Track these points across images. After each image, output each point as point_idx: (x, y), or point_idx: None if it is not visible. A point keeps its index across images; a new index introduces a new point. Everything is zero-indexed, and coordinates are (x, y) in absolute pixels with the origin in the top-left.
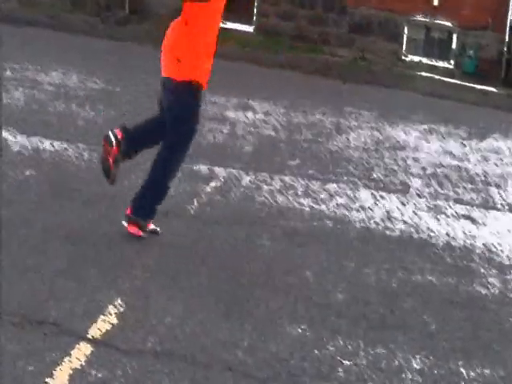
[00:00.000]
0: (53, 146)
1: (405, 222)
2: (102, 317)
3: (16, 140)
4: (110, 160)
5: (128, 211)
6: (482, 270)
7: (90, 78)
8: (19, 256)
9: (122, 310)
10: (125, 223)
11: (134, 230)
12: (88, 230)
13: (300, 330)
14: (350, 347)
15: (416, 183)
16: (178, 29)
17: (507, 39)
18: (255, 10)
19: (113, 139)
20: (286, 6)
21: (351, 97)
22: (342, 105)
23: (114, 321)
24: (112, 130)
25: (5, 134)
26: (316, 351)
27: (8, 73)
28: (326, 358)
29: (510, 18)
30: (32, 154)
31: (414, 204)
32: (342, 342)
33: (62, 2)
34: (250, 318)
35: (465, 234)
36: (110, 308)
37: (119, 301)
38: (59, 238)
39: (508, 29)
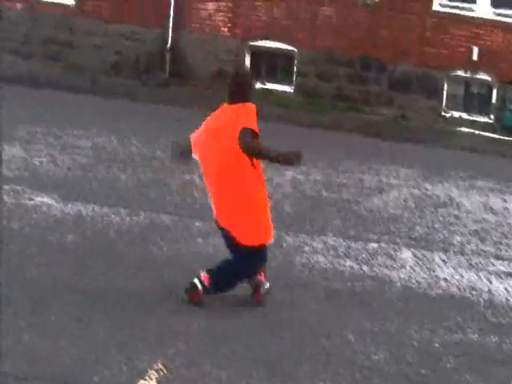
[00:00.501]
0: (94, 210)
1: (446, 280)
2: (142, 381)
3: (58, 205)
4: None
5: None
6: None
7: (131, 142)
8: (64, 320)
9: (162, 374)
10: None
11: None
12: (134, 295)
13: None
14: None
15: (457, 240)
16: None
17: None
18: (295, 70)
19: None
20: (324, 65)
21: (391, 155)
22: (382, 163)
23: None
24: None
25: (47, 199)
26: None
27: (51, 139)
28: None
29: None
30: (73, 220)
31: (456, 261)
32: None
33: (103, 66)
34: (291, 381)
35: (507, 290)
36: (151, 373)
37: (161, 365)
38: (105, 302)
39: None
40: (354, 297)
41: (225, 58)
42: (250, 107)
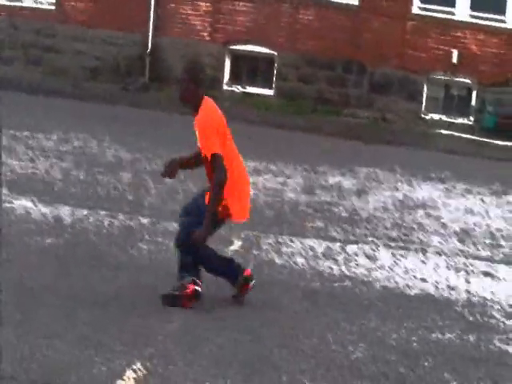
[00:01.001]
0: (73, 213)
1: (424, 280)
2: (120, 382)
3: (37, 208)
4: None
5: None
6: (503, 326)
7: (111, 145)
8: (44, 322)
9: (140, 374)
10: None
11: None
12: (113, 296)
13: None
14: None
15: (436, 241)
16: None
17: None
18: (275, 74)
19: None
20: (305, 68)
21: (371, 157)
22: (362, 166)
23: None
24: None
25: (26, 202)
26: None
27: (31, 142)
28: None
29: None
30: (53, 222)
31: (434, 262)
32: None
33: (84, 70)
34: (270, 381)
35: (485, 290)
36: (129, 373)
37: (139, 365)
38: (85, 304)
39: None
40: (333, 297)
41: (206, 61)
42: (209, 105)
